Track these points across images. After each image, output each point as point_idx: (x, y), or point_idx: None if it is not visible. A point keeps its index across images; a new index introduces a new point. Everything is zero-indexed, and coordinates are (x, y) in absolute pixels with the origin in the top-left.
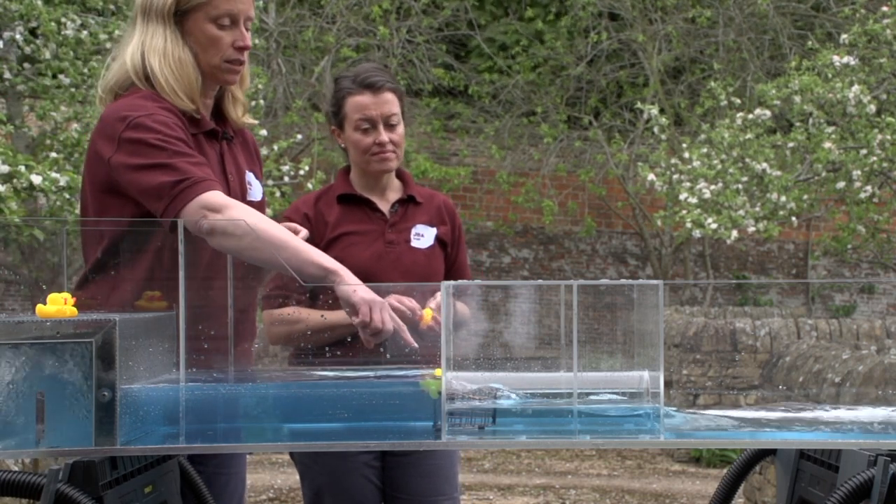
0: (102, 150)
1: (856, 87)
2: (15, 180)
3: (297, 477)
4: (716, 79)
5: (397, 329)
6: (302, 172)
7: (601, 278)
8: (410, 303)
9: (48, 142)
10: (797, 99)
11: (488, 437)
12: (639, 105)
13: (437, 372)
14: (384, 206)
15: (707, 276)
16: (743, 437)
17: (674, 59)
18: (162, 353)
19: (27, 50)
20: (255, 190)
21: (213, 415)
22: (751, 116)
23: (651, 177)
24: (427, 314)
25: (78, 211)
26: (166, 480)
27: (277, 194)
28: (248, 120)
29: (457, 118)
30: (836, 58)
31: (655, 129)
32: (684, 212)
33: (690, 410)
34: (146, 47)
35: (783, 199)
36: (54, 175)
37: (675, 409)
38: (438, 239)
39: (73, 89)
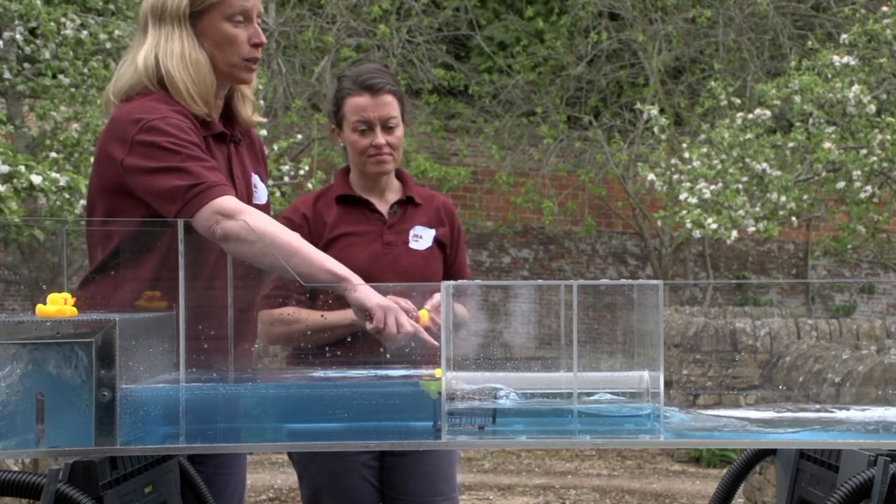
0: (114, 151)
1: (856, 87)
2: (15, 180)
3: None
4: (716, 79)
5: (416, 331)
6: (302, 172)
7: (601, 278)
8: (407, 304)
9: (48, 142)
10: (797, 99)
11: (488, 437)
12: (639, 105)
13: (437, 372)
14: (383, 207)
15: (707, 276)
16: (743, 437)
17: (674, 59)
18: (162, 353)
19: (27, 50)
20: (261, 193)
21: (213, 415)
22: (751, 116)
23: (651, 177)
24: (423, 315)
25: (78, 211)
26: (166, 480)
27: (277, 194)
28: (257, 118)
29: (457, 118)
30: (836, 58)
31: (655, 129)
32: (684, 212)
33: (690, 410)
34: (160, 51)
35: (783, 199)
36: (54, 175)
37: (675, 409)
38: (437, 240)
39: (73, 89)
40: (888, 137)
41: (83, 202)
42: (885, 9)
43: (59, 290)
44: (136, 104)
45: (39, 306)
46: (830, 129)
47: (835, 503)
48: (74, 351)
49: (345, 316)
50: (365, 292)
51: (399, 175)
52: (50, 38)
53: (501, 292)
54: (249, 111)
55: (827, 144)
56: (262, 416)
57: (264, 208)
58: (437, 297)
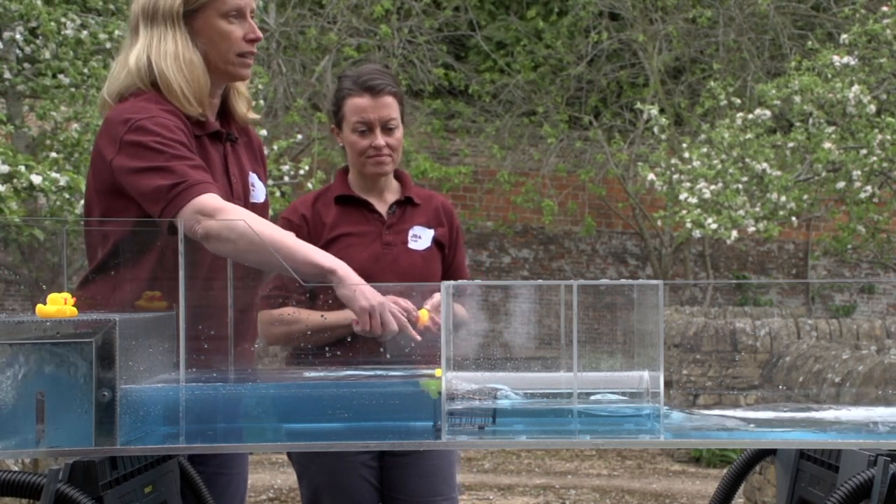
0: (105, 151)
1: (856, 87)
2: (15, 180)
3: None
4: (716, 79)
5: (401, 326)
6: (302, 172)
7: (601, 278)
8: (406, 304)
9: (48, 142)
10: (797, 99)
11: (488, 437)
12: (639, 105)
13: (437, 372)
14: (382, 208)
15: (707, 276)
16: (743, 437)
17: (674, 59)
18: (162, 353)
19: (27, 50)
20: (259, 192)
21: (213, 415)
22: (751, 116)
23: (651, 177)
24: (423, 315)
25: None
26: (166, 480)
27: (277, 194)
28: (252, 115)
29: (457, 118)
30: (836, 58)
31: (655, 129)
32: (684, 212)
33: (690, 410)
34: (153, 53)
35: (783, 199)
36: (54, 175)
37: (675, 409)
38: (436, 241)
39: (73, 89)
40: (888, 137)
41: (83, 202)
42: (885, 9)
43: (59, 290)
44: (128, 105)
45: (39, 306)
46: (830, 129)
47: (835, 503)
48: (74, 351)
49: (345, 316)
50: (351, 291)
51: (398, 175)
52: (50, 38)
53: (501, 292)
54: (244, 108)
55: (827, 144)
56: (262, 416)
57: (262, 207)
58: (436, 296)
